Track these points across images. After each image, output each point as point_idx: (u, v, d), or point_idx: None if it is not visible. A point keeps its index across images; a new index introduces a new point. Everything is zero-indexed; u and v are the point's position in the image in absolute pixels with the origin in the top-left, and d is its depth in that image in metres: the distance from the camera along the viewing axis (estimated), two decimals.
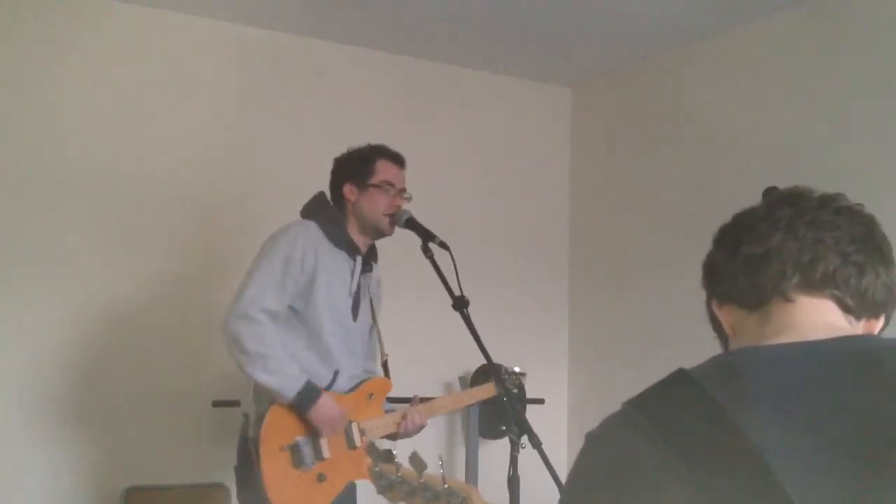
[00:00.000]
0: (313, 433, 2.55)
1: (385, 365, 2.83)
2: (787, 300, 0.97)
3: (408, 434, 2.72)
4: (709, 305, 1.07)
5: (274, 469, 2.48)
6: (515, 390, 3.06)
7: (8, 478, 3.26)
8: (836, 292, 0.97)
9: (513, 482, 2.89)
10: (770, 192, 1.06)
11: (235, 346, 2.50)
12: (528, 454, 2.42)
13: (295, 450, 2.52)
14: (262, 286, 2.53)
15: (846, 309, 0.97)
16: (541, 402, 4.16)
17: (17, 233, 3.37)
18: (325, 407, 2.53)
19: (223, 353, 3.33)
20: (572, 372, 4.53)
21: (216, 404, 3.47)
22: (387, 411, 2.77)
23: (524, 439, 2.42)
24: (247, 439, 2.57)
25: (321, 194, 2.78)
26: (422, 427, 2.75)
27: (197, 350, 3.57)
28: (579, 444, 0.93)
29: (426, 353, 3.78)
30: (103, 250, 3.50)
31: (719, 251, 1.05)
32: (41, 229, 3.40)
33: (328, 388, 2.61)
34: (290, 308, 2.60)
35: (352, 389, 2.69)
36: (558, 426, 4.38)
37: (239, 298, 2.53)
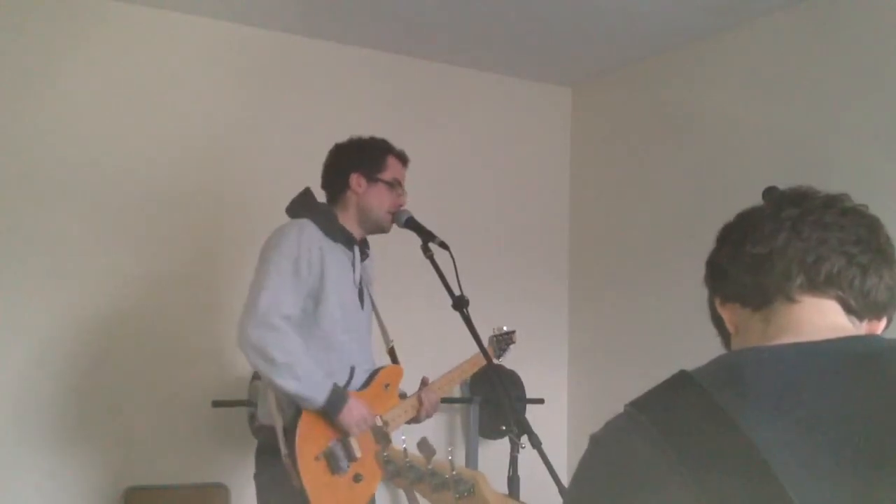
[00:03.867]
0: (343, 435, 2.53)
1: (392, 351, 2.83)
2: (791, 300, 0.97)
3: (428, 415, 2.74)
4: (711, 303, 1.07)
5: (314, 479, 2.45)
6: (510, 347, 3.05)
7: (8, 478, 3.27)
8: (840, 293, 0.97)
9: (513, 482, 2.89)
10: (770, 192, 1.06)
11: (260, 357, 2.43)
12: (528, 454, 2.42)
13: (330, 456, 2.49)
14: (277, 292, 2.47)
15: (849, 310, 0.98)
16: (541, 402, 4.16)
17: (16, 232, 3.37)
18: (355, 408, 2.50)
19: (223, 353, 3.34)
20: (572, 372, 4.53)
21: (216, 404, 3.47)
22: (400, 397, 2.77)
23: (524, 439, 2.42)
24: (267, 446, 2.54)
25: (307, 191, 2.74)
26: (437, 404, 2.77)
27: (197, 350, 3.58)
28: (579, 443, 0.94)
29: (426, 353, 3.77)
30: (103, 250, 3.50)
31: (723, 250, 1.05)
32: (40, 229, 3.40)
33: (346, 386, 2.59)
34: (303, 309, 2.56)
35: (367, 383, 2.68)
36: (558, 426, 4.38)
37: (255, 307, 2.45)
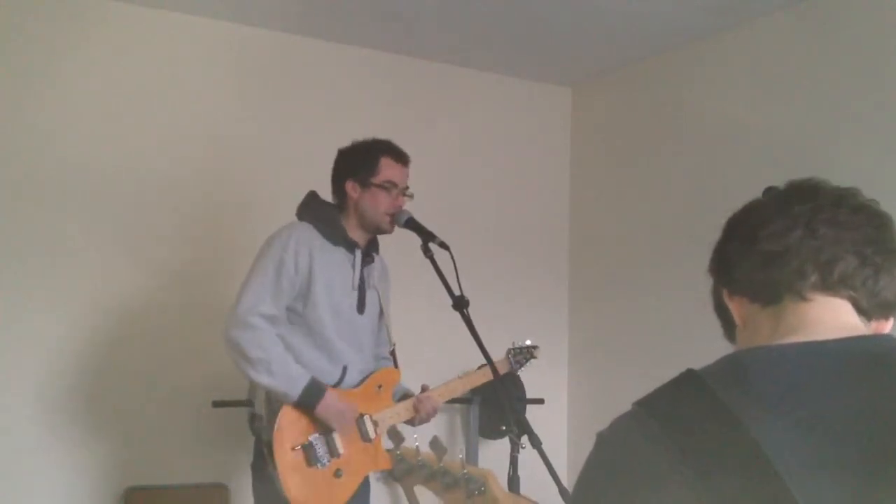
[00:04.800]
0: (326, 431, 2.57)
1: (393, 354, 2.85)
2: (803, 299, 0.96)
3: (424, 420, 2.76)
4: (717, 293, 1.06)
5: (289, 469, 2.51)
6: (530, 362, 3.04)
7: (9, 478, 3.26)
8: (852, 293, 0.96)
9: (513, 482, 2.89)
10: (770, 192, 1.05)
11: (237, 354, 2.53)
12: (528, 454, 2.42)
13: (308, 449, 2.54)
14: (257, 292, 2.56)
15: (860, 310, 0.97)
16: (541, 402, 4.16)
17: (16, 232, 3.37)
18: (332, 401, 2.55)
19: (223, 353, 3.34)
20: (572, 372, 4.53)
21: (216, 404, 3.47)
22: (399, 400, 2.79)
23: (524, 439, 2.43)
24: (262, 440, 2.59)
25: (312, 194, 2.78)
26: (436, 411, 2.78)
27: (197, 350, 3.58)
28: (579, 443, 0.94)
29: (426, 353, 3.78)
30: (103, 251, 3.50)
31: (733, 242, 1.03)
32: (39, 229, 3.40)
33: (337, 384, 2.63)
34: (292, 310, 2.62)
35: (360, 383, 2.71)
36: (558, 426, 4.38)
37: (236, 307, 2.55)
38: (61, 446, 3.37)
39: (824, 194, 1.00)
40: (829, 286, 0.96)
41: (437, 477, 1.28)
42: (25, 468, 3.31)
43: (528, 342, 3.05)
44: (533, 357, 3.07)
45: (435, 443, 1.29)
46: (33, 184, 3.41)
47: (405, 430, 2.69)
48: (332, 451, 2.57)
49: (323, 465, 2.55)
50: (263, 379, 2.51)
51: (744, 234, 1.01)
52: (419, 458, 1.31)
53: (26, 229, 3.38)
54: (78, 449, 3.40)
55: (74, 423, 3.41)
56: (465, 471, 1.24)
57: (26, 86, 3.42)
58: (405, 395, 2.81)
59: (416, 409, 2.74)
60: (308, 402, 2.52)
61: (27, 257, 3.37)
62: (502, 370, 2.87)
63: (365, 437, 2.64)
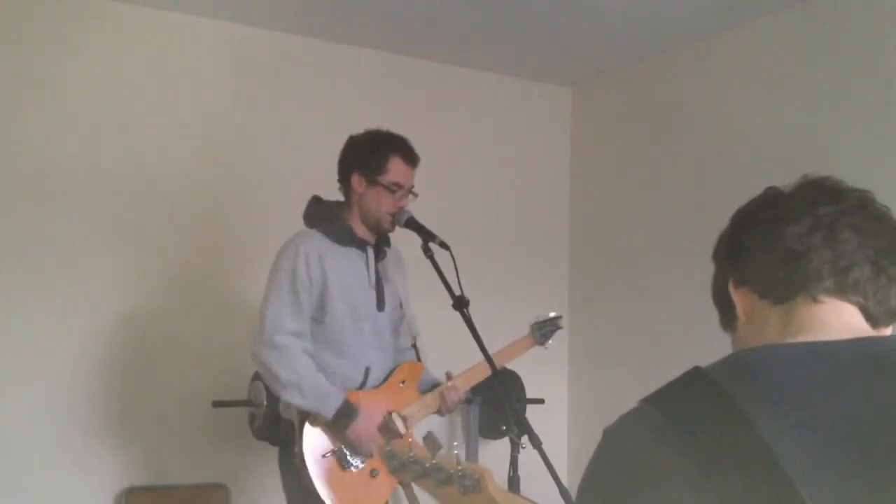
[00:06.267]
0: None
1: (414, 346, 2.84)
2: (815, 301, 0.96)
3: (450, 410, 2.74)
4: (720, 281, 1.05)
5: (324, 474, 2.52)
6: (550, 341, 2.96)
7: (9, 478, 3.26)
8: (862, 300, 0.97)
9: (513, 482, 2.89)
10: (785, 189, 1.04)
11: (268, 375, 2.55)
12: (528, 454, 2.42)
13: (339, 453, 2.54)
14: (278, 309, 2.55)
15: (867, 315, 0.97)
16: (541, 402, 4.16)
17: (15, 233, 3.37)
18: (362, 427, 2.54)
19: (223, 353, 3.35)
20: (572, 372, 4.53)
21: (216, 404, 3.47)
22: (429, 390, 2.76)
23: (524, 439, 2.42)
24: (288, 439, 2.60)
25: (315, 198, 2.75)
26: (461, 399, 2.76)
27: (197, 350, 3.58)
28: (579, 444, 0.94)
29: (426, 353, 3.78)
30: (103, 252, 3.50)
31: (749, 232, 1.02)
32: (39, 230, 3.40)
33: (361, 386, 2.63)
34: (312, 319, 2.61)
35: (383, 381, 2.69)
36: (558, 426, 4.38)
37: (260, 328, 2.55)
38: (61, 446, 3.37)
39: (847, 196, 0.99)
40: (842, 291, 0.96)
41: (430, 474, 1.25)
42: (25, 468, 3.30)
43: (553, 314, 2.93)
44: (559, 328, 2.95)
45: (429, 438, 1.26)
46: (33, 184, 3.41)
47: (441, 433, 2.62)
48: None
49: (357, 466, 2.55)
50: (297, 400, 2.52)
51: (764, 227, 1.00)
52: (410, 454, 1.29)
53: (25, 230, 3.38)
54: (78, 449, 3.40)
55: (74, 423, 3.40)
56: (460, 467, 1.21)
57: (26, 86, 3.42)
58: (434, 385, 2.76)
59: (443, 399, 2.70)
60: (340, 424, 2.52)
61: (27, 257, 3.37)
62: (529, 346, 2.86)
63: (395, 435, 2.60)
